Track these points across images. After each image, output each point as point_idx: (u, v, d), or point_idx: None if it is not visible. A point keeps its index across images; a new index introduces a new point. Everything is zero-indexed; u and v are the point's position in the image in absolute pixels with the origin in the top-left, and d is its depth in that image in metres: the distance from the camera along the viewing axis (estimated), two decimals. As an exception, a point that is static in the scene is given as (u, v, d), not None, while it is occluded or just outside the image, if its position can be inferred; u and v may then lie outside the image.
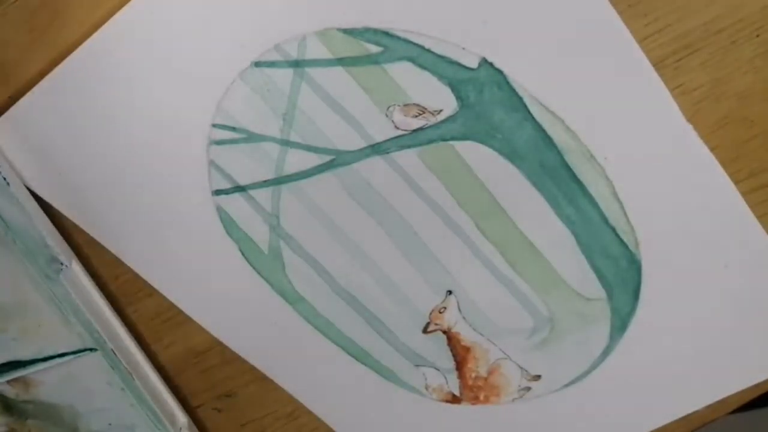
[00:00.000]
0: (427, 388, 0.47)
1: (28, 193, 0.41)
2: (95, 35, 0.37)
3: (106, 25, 0.36)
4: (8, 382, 0.46)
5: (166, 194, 0.41)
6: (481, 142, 0.38)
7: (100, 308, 0.44)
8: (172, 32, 0.36)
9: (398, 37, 0.36)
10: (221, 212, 0.42)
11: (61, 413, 0.48)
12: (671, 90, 0.36)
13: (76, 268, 0.43)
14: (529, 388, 0.47)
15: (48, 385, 0.46)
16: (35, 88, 0.38)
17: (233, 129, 0.39)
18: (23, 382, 0.46)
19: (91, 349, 0.44)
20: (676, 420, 0.46)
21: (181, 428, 0.48)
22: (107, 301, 0.45)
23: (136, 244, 0.43)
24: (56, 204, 0.42)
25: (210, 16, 0.36)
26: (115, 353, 0.44)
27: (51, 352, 0.45)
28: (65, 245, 0.43)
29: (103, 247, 0.44)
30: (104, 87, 0.38)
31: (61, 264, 0.41)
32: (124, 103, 0.39)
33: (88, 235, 0.43)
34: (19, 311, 0.43)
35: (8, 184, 0.39)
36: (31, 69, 0.38)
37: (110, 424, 0.48)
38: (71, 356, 0.45)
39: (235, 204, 0.42)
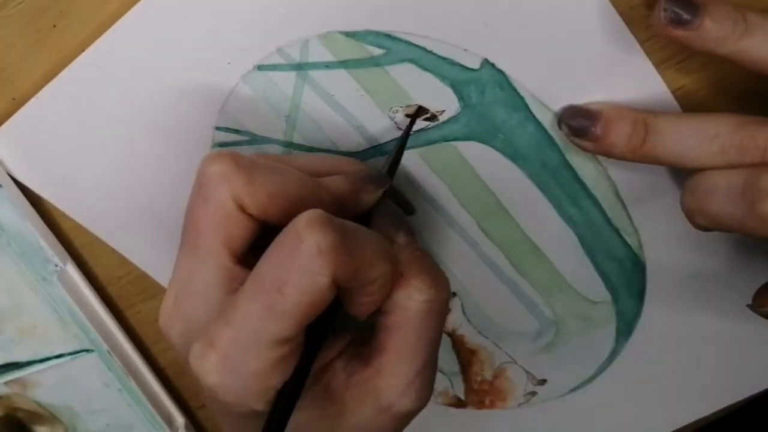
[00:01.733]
0: (432, 391, 0.47)
1: (21, 195, 0.41)
2: (100, 39, 0.37)
3: (110, 29, 0.37)
4: (6, 383, 0.46)
5: (170, 196, 0.41)
6: (484, 142, 0.38)
7: (95, 309, 0.44)
8: (175, 36, 0.37)
9: (400, 40, 0.36)
10: (225, 215, 0.42)
11: (59, 414, 0.48)
12: (673, 92, 0.36)
13: (71, 269, 0.43)
14: (535, 393, 0.47)
15: (46, 386, 0.47)
16: (40, 92, 0.38)
17: (237, 132, 0.39)
18: (21, 383, 0.46)
19: (87, 350, 0.44)
20: (677, 420, 0.46)
21: (178, 428, 0.48)
22: (103, 303, 0.45)
23: (144, 245, 0.44)
24: (62, 206, 0.42)
25: (213, 21, 0.36)
26: (111, 354, 0.44)
27: (48, 354, 0.45)
28: (60, 247, 0.43)
29: (104, 250, 0.44)
30: (109, 90, 0.38)
31: (56, 266, 0.42)
32: (128, 106, 0.39)
33: (89, 237, 0.43)
34: (16, 313, 0.43)
35: (1, 186, 0.40)
36: (35, 72, 0.38)
37: (108, 425, 0.48)
38: (68, 357, 0.45)
39: (239, 206, 0.42)
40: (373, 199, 0.35)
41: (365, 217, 0.35)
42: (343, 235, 0.29)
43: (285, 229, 0.30)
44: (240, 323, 0.30)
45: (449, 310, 0.34)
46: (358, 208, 0.34)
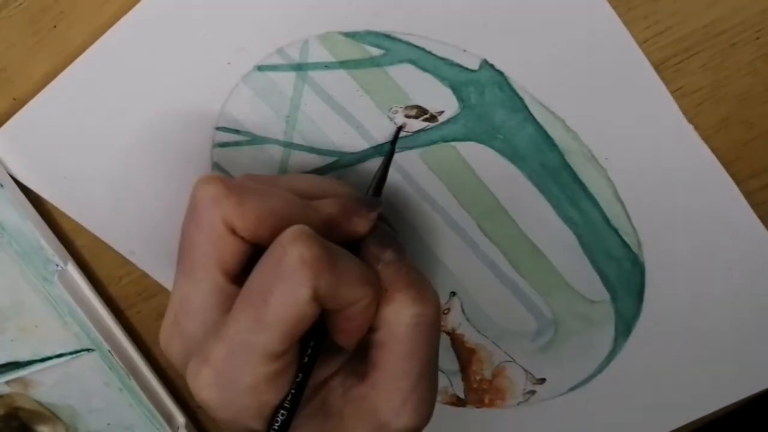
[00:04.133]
0: (431, 390, 0.47)
1: (22, 195, 0.41)
2: (100, 40, 0.37)
3: (110, 30, 0.37)
4: (7, 382, 0.46)
5: (171, 196, 0.41)
6: (483, 142, 0.38)
7: (96, 309, 0.44)
8: (175, 36, 0.37)
9: (400, 40, 0.36)
10: (225, 214, 0.42)
11: (60, 413, 0.48)
12: (672, 92, 0.36)
13: (72, 269, 0.43)
14: (534, 392, 0.47)
15: (47, 385, 0.47)
16: (41, 93, 0.38)
17: (237, 132, 0.39)
18: (22, 382, 0.46)
19: (88, 350, 0.45)
20: (676, 420, 0.46)
21: (178, 428, 0.48)
22: (104, 302, 0.45)
23: (144, 245, 0.44)
24: (62, 207, 0.42)
25: (213, 21, 0.36)
26: (111, 353, 0.44)
27: (49, 353, 0.45)
28: (60, 247, 0.43)
29: (105, 250, 0.44)
30: (109, 91, 0.38)
31: (57, 265, 0.42)
32: (128, 106, 0.39)
33: (90, 237, 0.43)
34: (16, 312, 0.43)
35: (2, 186, 0.40)
36: (36, 72, 0.38)
37: (109, 424, 0.48)
38: (69, 357, 0.45)
39: (239, 206, 0.42)
40: (368, 224, 0.35)
41: (357, 240, 0.35)
42: (327, 251, 0.29)
43: (272, 244, 0.30)
44: (231, 338, 0.30)
45: (441, 325, 0.33)
46: (349, 231, 0.34)
